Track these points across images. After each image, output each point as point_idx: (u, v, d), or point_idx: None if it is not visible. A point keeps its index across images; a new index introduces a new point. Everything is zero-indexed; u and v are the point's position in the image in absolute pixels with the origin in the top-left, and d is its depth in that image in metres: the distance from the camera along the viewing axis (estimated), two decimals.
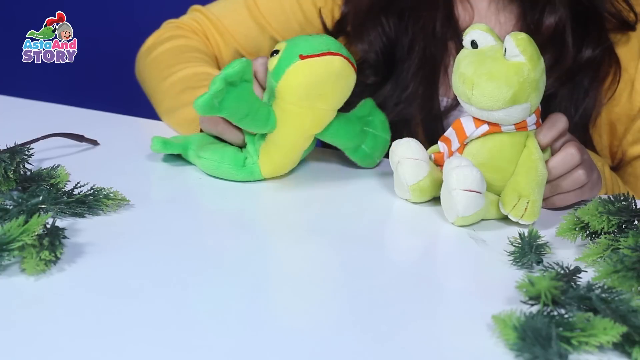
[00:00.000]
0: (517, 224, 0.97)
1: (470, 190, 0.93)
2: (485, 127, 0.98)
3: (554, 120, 1.00)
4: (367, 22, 1.25)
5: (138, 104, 1.38)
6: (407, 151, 1.00)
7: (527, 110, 0.96)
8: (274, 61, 1.00)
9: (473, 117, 0.99)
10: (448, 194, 0.95)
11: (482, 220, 0.98)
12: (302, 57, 0.98)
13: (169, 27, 1.36)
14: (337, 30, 1.30)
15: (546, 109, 1.16)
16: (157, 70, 1.27)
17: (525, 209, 0.95)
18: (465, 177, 0.93)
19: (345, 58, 0.99)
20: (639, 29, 1.19)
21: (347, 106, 1.06)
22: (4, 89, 1.36)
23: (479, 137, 0.99)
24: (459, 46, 1.00)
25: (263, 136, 1.03)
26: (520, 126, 0.98)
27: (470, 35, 0.98)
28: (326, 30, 1.30)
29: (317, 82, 0.99)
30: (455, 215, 0.95)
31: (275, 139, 1.03)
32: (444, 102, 1.23)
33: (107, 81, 2.15)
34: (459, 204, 0.94)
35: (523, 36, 0.95)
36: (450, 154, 1.01)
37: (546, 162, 0.99)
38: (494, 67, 0.95)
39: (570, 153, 0.99)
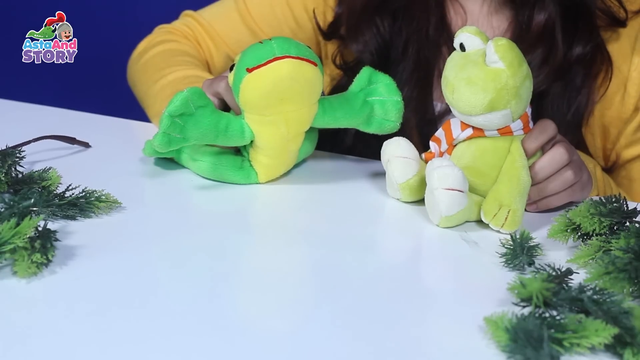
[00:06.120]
0: None
1: (452, 189, 0.93)
2: (469, 131, 0.98)
3: (543, 126, 0.99)
4: (361, 22, 1.25)
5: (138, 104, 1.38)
6: (396, 149, 1.01)
7: (507, 116, 0.96)
8: (231, 77, 1.01)
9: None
10: (431, 195, 0.95)
11: (473, 222, 0.98)
12: (249, 70, 0.97)
13: (160, 32, 1.36)
14: (330, 32, 1.30)
15: (538, 107, 1.16)
16: (147, 74, 1.27)
17: (506, 218, 0.95)
18: (446, 176, 0.93)
19: (296, 58, 0.97)
20: (630, 27, 1.19)
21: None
22: (4, 89, 1.35)
23: (465, 140, 0.99)
24: (452, 50, 1.00)
25: (251, 142, 1.03)
26: (504, 131, 0.97)
27: (458, 38, 0.98)
28: (320, 32, 1.30)
29: (270, 91, 0.98)
30: (439, 216, 0.95)
31: (259, 145, 1.03)
32: (438, 107, 1.23)
33: (108, 81, 2.14)
34: (441, 202, 0.94)
35: (504, 42, 0.94)
36: (441, 154, 1.01)
37: (535, 163, 0.99)
38: (474, 72, 0.95)
39: (559, 152, 0.99)
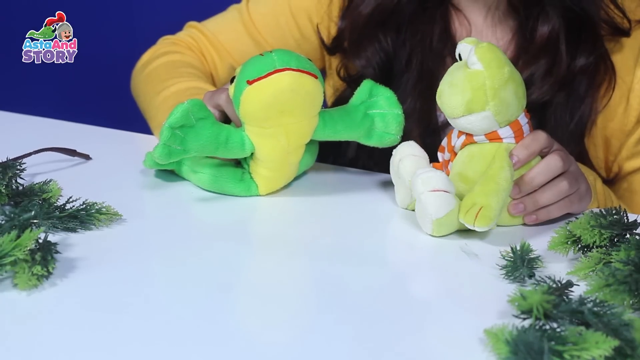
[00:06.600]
0: (509, 237, 0.96)
1: (437, 190, 0.94)
2: (463, 137, 0.99)
3: (535, 136, 0.98)
4: (364, 38, 1.25)
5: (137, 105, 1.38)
6: (407, 149, 1.02)
7: (489, 119, 0.96)
8: (231, 89, 1.01)
9: None
10: (418, 202, 0.95)
11: (473, 234, 0.98)
12: (250, 82, 0.97)
13: (164, 43, 1.36)
14: (333, 47, 1.30)
15: (542, 117, 1.17)
16: (150, 85, 1.27)
17: (477, 214, 0.94)
18: (429, 179, 0.94)
19: (297, 70, 0.97)
20: (633, 37, 1.19)
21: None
22: (4, 89, 1.36)
23: (462, 147, 1.00)
24: (455, 61, 1.00)
25: (252, 154, 1.03)
26: (492, 137, 0.98)
27: (457, 48, 0.99)
28: (324, 47, 1.31)
29: (270, 104, 0.98)
30: (430, 220, 0.95)
31: (260, 158, 1.03)
32: (441, 117, 1.23)
33: (108, 81, 2.15)
34: (429, 205, 0.94)
35: (484, 45, 0.95)
36: (446, 163, 1.02)
37: (529, 170, 0.98)
38: (455, 75, 0.96)
39: (554, 159, 0.99)
